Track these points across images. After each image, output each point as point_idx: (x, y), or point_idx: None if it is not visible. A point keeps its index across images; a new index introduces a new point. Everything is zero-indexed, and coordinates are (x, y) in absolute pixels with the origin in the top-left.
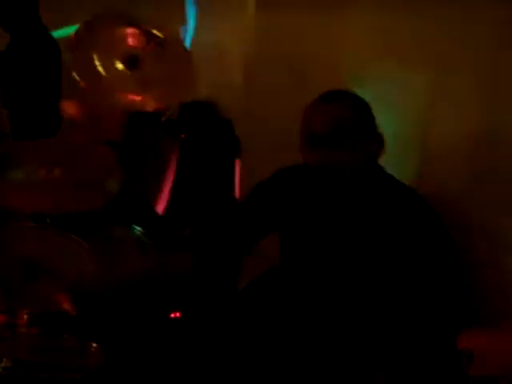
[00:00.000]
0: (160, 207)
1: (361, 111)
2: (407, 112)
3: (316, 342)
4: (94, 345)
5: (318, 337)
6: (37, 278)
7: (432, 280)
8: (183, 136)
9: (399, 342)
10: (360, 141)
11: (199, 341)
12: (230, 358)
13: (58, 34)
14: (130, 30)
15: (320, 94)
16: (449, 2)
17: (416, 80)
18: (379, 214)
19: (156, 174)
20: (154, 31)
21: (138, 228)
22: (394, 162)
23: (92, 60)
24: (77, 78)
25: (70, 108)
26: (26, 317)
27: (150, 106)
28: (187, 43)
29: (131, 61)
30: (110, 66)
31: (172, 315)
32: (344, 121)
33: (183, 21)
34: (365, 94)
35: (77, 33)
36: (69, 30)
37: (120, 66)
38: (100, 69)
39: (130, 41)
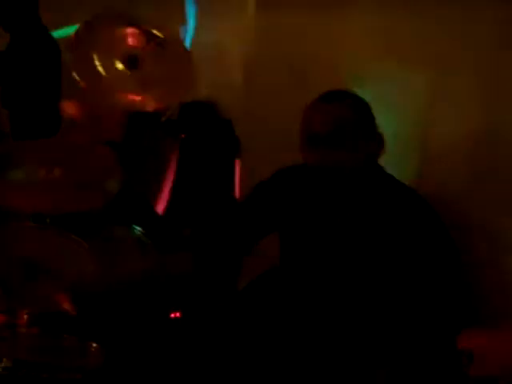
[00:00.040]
0: (160, 207)
1: (361, 111)
2: (407, 112)
3: (316, 341)
4: (94, 345)
5: (318, 337)
6: (37, 277)
7: (432, 280)
8: (183, 136)
9: (399, 341)
10: (360, 141)
11: (199, 341)
12: (229, 358)
13: (58, 33)
14: (129, 30)
15: (320, 94)
16: (449, 2)
17: (416, 80)
18: (379, 214)
19: (156, 174)
20: (154, 31)
21: (138, 228)
22: (394, 161)
23: (92, 60)
24: (77, 78)
25: (70, 108)
26: (25, 317)
27: (150, 105)
28: (187, 43)
29: (131, 61)
30: (109, 66)
31: (172, 315)
32: (344, 121)
33: (183, 21)
34: (365, 93)
35: (77, 33)
36: (69, 30)
37: (120, 65)
38: (100, 69)
39: (130, 41)
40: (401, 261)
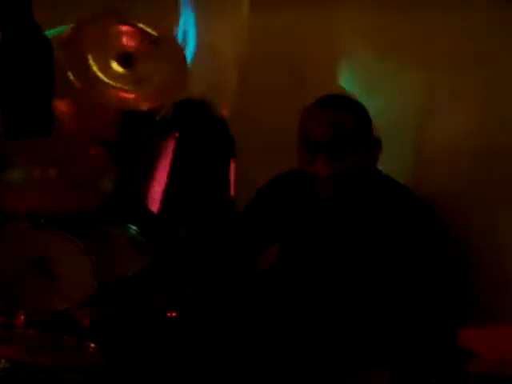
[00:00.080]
0: (155, 206)
1: (359, 116)
2: (407, 112)
3: (315, 341)
4: (93, 345)
5: (318, 336)
6: (33, 278)
7: (432, 280)
8: (177, 135)
9: (399, 341)
10: (359, 146)
11: (198, 340)
12: (227, 357)
13: (52, 32)
14: (123, 29)
15: (316, 94)
16: (449, 2)
17: (415, 80)
18: (379, 218)
19: (150, 173)
20: (148, 30)
21: (133, 227)
22: (393, 162)
23: (86, 59)
24: (70, 76)
25: (63, 107)
26: (23, 317)
27: (144, 104)
28: (182, 42)
29: (125, 59)
30: (103, 65)
31: (168, 314)
32: (343, 127)
33: (177, 20)
34: (364, 94)
35: (70, 31)
36: (63, 29)
37: (114, 64)
38: (94, 68)
39: (124, 39)
40: (401, 261)
